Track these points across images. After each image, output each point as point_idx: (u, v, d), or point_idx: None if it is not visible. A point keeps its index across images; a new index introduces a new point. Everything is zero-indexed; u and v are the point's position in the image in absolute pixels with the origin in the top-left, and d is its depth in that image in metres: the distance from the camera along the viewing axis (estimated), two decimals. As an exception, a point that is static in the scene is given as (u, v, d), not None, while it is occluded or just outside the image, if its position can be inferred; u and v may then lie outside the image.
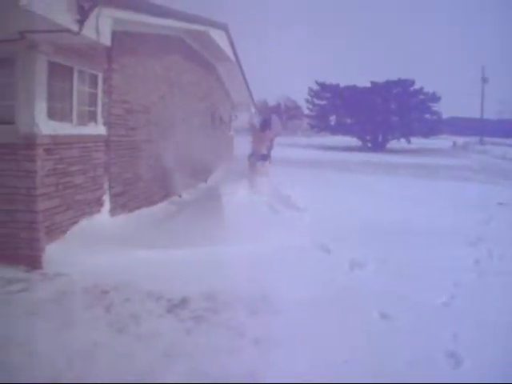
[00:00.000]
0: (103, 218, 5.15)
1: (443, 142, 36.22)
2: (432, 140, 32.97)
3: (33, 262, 3.93)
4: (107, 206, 5.30)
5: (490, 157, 24.91)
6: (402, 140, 30.07)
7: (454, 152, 29.15)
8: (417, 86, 29.41)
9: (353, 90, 30.55)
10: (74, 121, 4.59)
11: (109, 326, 3.02)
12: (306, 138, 37.97)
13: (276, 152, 8.23)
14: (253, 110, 18.13)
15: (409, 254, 4.82)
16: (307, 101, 33.15)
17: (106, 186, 5.29)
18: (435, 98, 29.62)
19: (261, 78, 36.18)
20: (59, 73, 4.29)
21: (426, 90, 29.35)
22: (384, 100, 29.40)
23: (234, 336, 2.96)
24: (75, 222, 4.63)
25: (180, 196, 7.59)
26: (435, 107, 29.97)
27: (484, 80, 40.32)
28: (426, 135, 30.22)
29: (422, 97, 29.61)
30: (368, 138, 30.67)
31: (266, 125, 7.79)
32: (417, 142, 30.96)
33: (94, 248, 4.27)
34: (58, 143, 4.23)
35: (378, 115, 29.03)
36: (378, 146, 29.62)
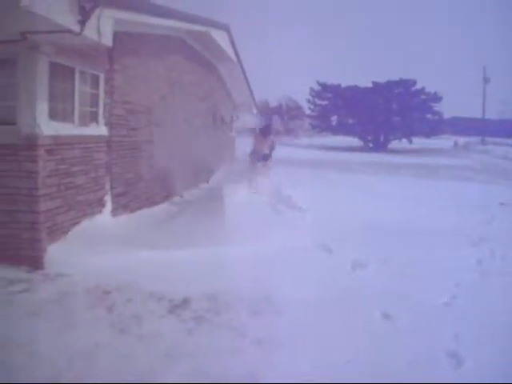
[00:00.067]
0: (105, 218, 5.15)
1: (445, 142, 36.15)
2: (433, 140, 32.98)
3: (34, 262, 3.93)
4: (109, 206, 5.30)
5: (492, 157, 24.90)
6: (404, 140, 30.10)
7: (456, 152, 29.13)
8: (418, 86, 29.46)
9: (354, 90, 30.57)
10: (76, 121, 4.60)
11: (110, 326, 3.02)
12: (308, 138, 37.93)
13: (277, 152, 8.22)
14: (255, 111, 18.10)
15: (411, 254, 4.81)
16: (309, 101, 33.20)
17: (107, 186, 5.29)
18: (437, 98, 29.62)
19: (262, 79, 36.19)
20: (61, 73, 4.29)
21: (427, 90, 29.45)
22: (385, 100, 29.43)
23: (236, 336, 2.95)
24: (77, 223, 4.64)
25: (181, 196, 7.59)
26: (437, 107, 30.02)
27: (485, 80, 40.29)
28: (427, 135, 30.23)
29: (423, 97, 29.63)
30: (369, 138, 30.68)
31: (266, 130, 7.88)
32: (418, 142, 30.96)
33: (96, 248, 4.27)
34: (59, 144, 4.23)
35: (379, 115, 29.03)
36: (380, 146, 29.61)
